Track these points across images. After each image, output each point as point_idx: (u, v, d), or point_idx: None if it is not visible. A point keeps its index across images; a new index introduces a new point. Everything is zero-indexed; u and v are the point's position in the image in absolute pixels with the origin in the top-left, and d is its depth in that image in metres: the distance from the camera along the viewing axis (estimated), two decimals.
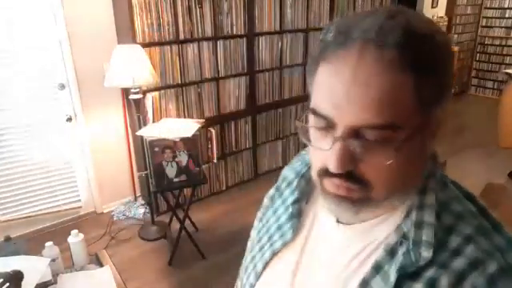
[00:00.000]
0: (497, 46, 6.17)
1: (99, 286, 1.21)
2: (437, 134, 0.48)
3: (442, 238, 0.46)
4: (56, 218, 2.79)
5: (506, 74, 4.02)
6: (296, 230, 0.59)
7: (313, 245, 0.58)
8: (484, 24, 6.30)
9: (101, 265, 1.33)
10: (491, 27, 6.21)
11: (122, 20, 2.59)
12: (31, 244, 1.45)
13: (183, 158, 2.28)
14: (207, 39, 2.88)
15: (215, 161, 3.10)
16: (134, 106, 2.47)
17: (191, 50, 2.82)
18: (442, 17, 5.57)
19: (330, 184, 0.47)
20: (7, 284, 0.99)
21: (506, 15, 6.00)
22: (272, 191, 0.71)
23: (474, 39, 6.35)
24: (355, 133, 0.43)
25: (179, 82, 2.82)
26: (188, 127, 2.31)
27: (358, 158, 0.44)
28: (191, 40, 2.80)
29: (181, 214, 2.49)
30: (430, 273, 0.44)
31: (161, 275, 2.34)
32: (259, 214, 0.73)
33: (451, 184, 0.52)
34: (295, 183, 0.64)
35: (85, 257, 1.35)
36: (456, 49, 5.71)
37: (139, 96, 2.44)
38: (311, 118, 0.47)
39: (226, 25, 2.96)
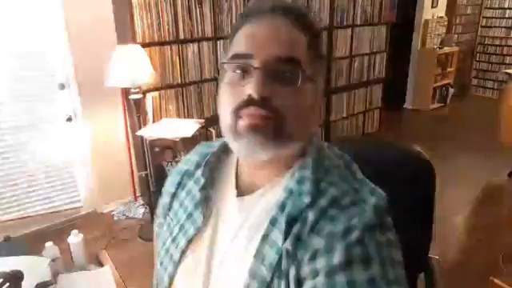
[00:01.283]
0: (497, 46, 6.17)
1: (99, 286, 1.21)
2: (321, 101, 0.65)
3: (315, 187, 0.58)
4: (56, 218, 2.79)
5: (506, 73, 4.02)
6: (205, 215, 0.66)
7: (221, 225, 0.65)
8: (484, 24, 6.29)
9: (101, 265, 1.33)
10: (491, 27, 6.21)
11: (122, 20, 2.59)
12: (31, 244, 1.45)
13: None
14: (207, 39, 2.88)
15: None
16: (134, 106, 2.47)
17: (191, 50, 2.82)
18: (441, 17, 5.57)
19: (246, 117, 0.56)
20: (7, 284, 0.98)
21: (506, 15, 6.00)
22: (171, 188, 0.75)
23: (473, 39, 6.35)
24: (270, 65, 0.55)
25: (179, 81, 2.82)
26: (188, 127, 2.31)
27: (272, 88, 0.55)
28: (191, 40, 2.80)
29: None
30: (305, 213, 0.56)
31: None
32: (160, 210, 0.77)
33: (326, 147, 0.66)
34: (199, 172, 0.70)
35: (85, 257, 1.34)
36: (456, 49, 5.72)
37: (139, 96, 2.44)
38: (230, 65, 0.60)
39: (226, 25, 2.96)
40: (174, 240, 0.69)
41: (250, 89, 0.55)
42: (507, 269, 2.31)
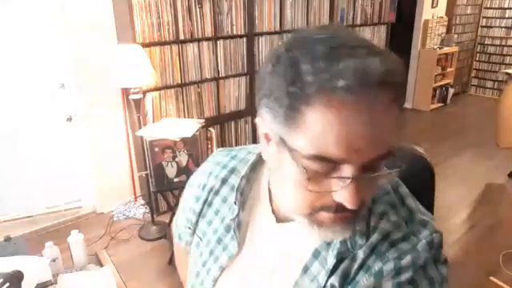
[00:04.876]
0: (497, 46, 6.17)
1: (99, 286, 1.21)
2: None
3: (367, 221, 0.52)
4: (56, 218, 2.79)
5: (506, 73, 4.02)
6: (239, 241, 0.61)
7: (257, 251, 0.60)
8: (484, 24, 6.29)
9: (101, 265, 1.33)
10: (491, 27, 6.21)
11: (122, 20, 2.59)
12: (31, 244, 1.45)
13: (183, 158, 2.28)
14: (207, 39, 2.88)
15: None
16: (134, 106, 2.47)
17: (191, 50, 2.82)
18: (442, 17, 5.57)
19: (329, 217, 0.47)
20: (7, 284, 0.98)
21: (506, 15, 6.00)
22: (195, 205, 0.69)
23: (474, 39, 6.35)
24: (366, 167, 0.43)
25: (179, 81, 2.82)
26: (188, 127, 2.31)
27: (364, 188, 0.45)
28: (191, 40, 2.80)
29: None
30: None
31: (161, 275, 2.34)
32: (189, 218, 0.70)
33: None
34: (226, 189, 0.65)
35: (85, 257, 1.35)
36: (456, 49, 5.71)
37: (139, 96, 2.44)
38: (310, 163, 0.43)
39: (226, 25, 2.96)
40: (204, 265, 0.65)
41: (341, 198, 0.44)
42: (507, 269, 2.31)
